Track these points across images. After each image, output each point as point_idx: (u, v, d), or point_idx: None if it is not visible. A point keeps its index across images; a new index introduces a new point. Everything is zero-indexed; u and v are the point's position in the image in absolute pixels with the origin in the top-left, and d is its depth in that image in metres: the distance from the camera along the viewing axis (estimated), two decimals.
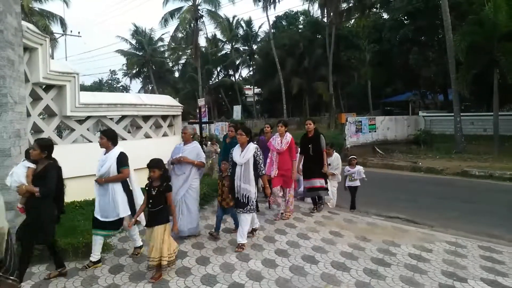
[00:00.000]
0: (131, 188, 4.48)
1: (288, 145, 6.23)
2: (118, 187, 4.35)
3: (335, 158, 7.43)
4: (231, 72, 46.46)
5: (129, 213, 4.37)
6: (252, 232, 5.37)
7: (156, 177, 4.07)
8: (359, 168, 7.55)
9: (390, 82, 29.85)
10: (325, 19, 32.87)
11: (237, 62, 44.30)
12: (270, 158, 6.37)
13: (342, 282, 3.93)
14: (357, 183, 7.48)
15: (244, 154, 4.99)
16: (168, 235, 4.03)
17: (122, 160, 4.35)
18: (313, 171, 6.59)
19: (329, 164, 7.35)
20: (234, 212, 5.27)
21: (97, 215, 4.34)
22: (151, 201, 4.05)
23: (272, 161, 6.34)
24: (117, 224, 4.38)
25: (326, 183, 6.68)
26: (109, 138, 4.45)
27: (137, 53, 44.45)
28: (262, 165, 5.05)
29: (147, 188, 4.13)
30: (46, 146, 3.96)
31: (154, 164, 4.08)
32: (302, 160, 6.79)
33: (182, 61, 46.98)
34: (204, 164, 5.51)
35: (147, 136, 8.68)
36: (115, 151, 4.40)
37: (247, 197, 4.91)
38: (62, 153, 6.37)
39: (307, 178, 6.71)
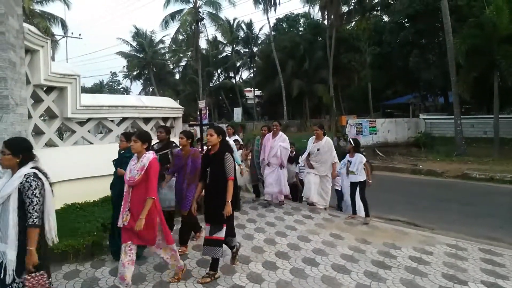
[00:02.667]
0: None
1: (145, 171, 3.57)
2: None
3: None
4: (231, 74, 46.58)
5: None
6: None
7: None
8: (358, 157, 6.03)
9: (391, 84, 29.94)
10: (325, 22, 32.94)
11: (238, 64, 44.43)
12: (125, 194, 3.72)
13: (343, 285, 3.93)
14: (360, 177, 6.05)
15: (9, 184, 2.69)
16: None
17: None
18: (208, 211, 4.08)
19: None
20: None
21: None
22: None
23: (125, 200, 3.69)
24: None
25: (226, 233, 3.98)
26: None
27: (138, 55, 44.51)
28: (33, 207, 2.63)
29: None
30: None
31: None
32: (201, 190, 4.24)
33: (183, 63, 47.13)
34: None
35: None
36: None
37: (4, 268, 2.59)
38: (63, 155, 6.47)
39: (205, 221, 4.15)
